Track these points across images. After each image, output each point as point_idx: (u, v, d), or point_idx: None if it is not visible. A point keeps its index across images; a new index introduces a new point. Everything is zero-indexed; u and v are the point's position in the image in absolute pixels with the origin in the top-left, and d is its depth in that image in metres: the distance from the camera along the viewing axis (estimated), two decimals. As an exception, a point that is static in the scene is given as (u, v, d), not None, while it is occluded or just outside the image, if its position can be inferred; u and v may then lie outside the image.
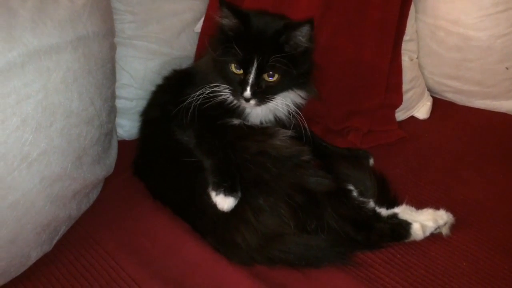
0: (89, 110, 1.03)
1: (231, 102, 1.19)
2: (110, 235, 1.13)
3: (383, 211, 1.15)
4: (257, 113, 1.22)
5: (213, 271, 1.04)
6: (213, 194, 1.06)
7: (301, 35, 1.11)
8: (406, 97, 1.63)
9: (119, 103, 1.37)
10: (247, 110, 1.20)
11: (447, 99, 1.80)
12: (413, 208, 1.17)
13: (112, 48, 1.16)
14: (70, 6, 0.97)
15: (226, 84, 1.16)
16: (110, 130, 1.20)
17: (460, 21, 1.58)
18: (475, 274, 1.06)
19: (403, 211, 1.15)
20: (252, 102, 1.13)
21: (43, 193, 0.95)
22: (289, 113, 1.23)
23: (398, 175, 1.36)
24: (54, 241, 1.07)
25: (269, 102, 1.16)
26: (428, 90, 1.78)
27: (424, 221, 1.13)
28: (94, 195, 1.20)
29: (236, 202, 1.05)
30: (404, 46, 1.63)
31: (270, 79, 1.13)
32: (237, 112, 1.21)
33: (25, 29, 0.86)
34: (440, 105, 1.77)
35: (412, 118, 1.71)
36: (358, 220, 1.11)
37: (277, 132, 1.19)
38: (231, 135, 1.17)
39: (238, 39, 1.11)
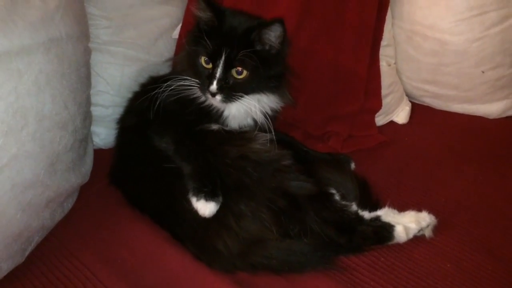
0: (62, 114, 1.00)
1: (205, 101, 1.17)
2: (85, 245, 1.09)
3: (366, 214, 1.13)
4: (234, 116, 1.20)
5: (194, 279, 1.01)
6: (193, 200, 1.03)
7: (273, 35, 1.10)
8: (385, 102, 1.64)
9: (95, 111, 1.34)
10: (225, 113, 1.18)
11: (425, 104, 1.83)
12: (395, 211, 1.16)
13: (87, 52, 1.14)
14: (43, 6, 0.94)
15: (195, 78, 1.14)
16: (85, 136, 1.17)
17: (436, 26, 1.60)
18: (459, 275, 1.06)
19: (386, 214, 1.14)
20: (218, 97, 1.11)
21: (14, 200, 0.91)
22: (266, 118, 1.21)
23: (380, 178, 1.35)
24: (27, 252, 1.02)
25: (236, 100, 1.14)
26: (407, 95, 1.80)
27: (407, 223, 1.12)
28: (69, 204, 1.16)
29: (218, 207, 1.03)
30: (382, 51, 1.64)
31: (238, 76, 1.11)
32: (215, 116, 1.18)
33: (-6, 30, 0.83)
34: (418, 110, 1.79)
35: (392, 122, 1.72)
36: (341, 224, 1.10)
37: (257, 136, 1.18)
38: (210, 140, 1.15)
39: (210, 32, 1.10)
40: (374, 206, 1.19)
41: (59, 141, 1.00)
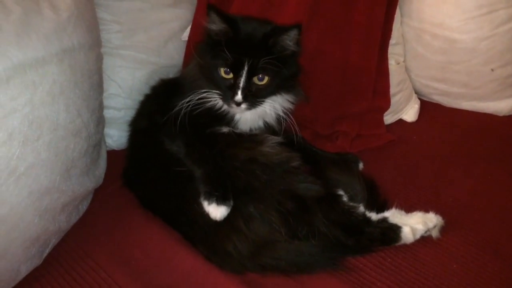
0: (76, 122, 1.03)
1: (220, 108, 1.19)
2: (100, 247, 1.12)
3: (373, 216, 1.15)
4: (246, 119, 1.22)
5: (205, 280, 1.04)
6: (205, 204, 1.06)
7: (289, 39, 1.13)
8: (393, 100, 1.64)
9: (107, 113, 1.37)
10: (236, 117, 1.21)
11: (434, 101, 1.82)
12: (402, 212, 1.17)
13: (99, 58, 1.16)
14: (55, 18, 0.96)
15: (215, 90, 1.16)
16: (98, 141, 1.20)
17: (444, 24, 1.60)
18: (465, 276, 1.07)
19: (393, 215, 1.16)
20: (243, 106, 1.13)
21: (31, 206, 0.94)
22: (278, 118, 1.24)
23: (388, 178, 1.36)
24: (44, 255, 1.06)
25: (259, 105, 1.17)
26: (416, 93, 1.79)
27: (414, 224, 1.14)
28: (83, 207, 1.19)
29: (229, 210, 1.05)
30: (391, 49, 1.64)
31: (260, 82, 1.14)
32: (226, 119, 1.21)
33: (10, 43, 0.86)
34: (427, 107, 1.78)
35: (400, 121, 1.72)
36: (349, 225, 1.12)
37: (266, 139, 1.20)
38: (221, 143, 1.17)
39: (227, 43, 1.11)
40: (382, 207, 1.20)
41: (73, 148, 1.03)
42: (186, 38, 1.55)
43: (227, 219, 1.05)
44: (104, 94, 1.29)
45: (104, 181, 1.29)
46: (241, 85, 1.11)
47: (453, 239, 1.16)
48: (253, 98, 1.14)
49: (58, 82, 0.95)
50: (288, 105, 1.25)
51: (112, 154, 1.39)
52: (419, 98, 1.79)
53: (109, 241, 1.14)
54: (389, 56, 1.64)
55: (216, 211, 1.04)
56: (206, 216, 1.05)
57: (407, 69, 1.76)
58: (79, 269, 1.07)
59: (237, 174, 1.11)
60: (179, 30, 1.55)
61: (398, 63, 1.69)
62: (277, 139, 1.21)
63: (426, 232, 1.15)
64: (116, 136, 1.47)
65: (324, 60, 1.51)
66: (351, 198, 1.18)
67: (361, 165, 1.40)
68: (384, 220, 1.14)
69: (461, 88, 1.71)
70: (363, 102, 1.57)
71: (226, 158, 1.14)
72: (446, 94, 1.76)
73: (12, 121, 0.86)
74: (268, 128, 1.26)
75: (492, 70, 1.61)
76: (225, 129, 1.20)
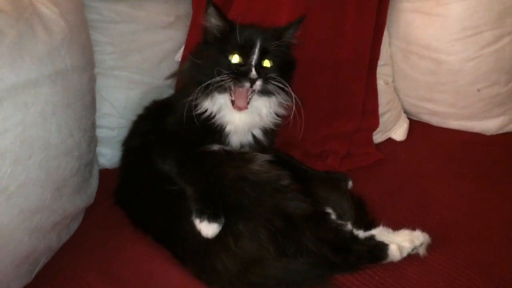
0: (68, 141, 1.05)
1: (213, 117, 1.21)
2: (90, 265, 1.13)
3: (361, 233, 1.16)
4: (236, 130, 1.24)
5: (194, 298, 1.05)
6: (197, 222, 1.07)
7: (291, 32, 1.23)
8: (383, 119, 1.67)
9: (101, 132, 1.39)
10: (227, 129, 1.23)
11: (423, 121, 1.86)
12: (390, 230, 1.19)
13: (92, 79, 1.19)
14: (49, 41, 0.99)
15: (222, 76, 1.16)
16: (90, 160, 1.22)
17: (431, 46, 1.64)
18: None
19: (380, 233, 1.17)
20: (258, 82, 1.16)
21: (21, 225, 0.95)
22: (267, 130, 1.27)
23: (376, 197, 1.38)
24: (35, 272, 1.07)
25: (271, 84, 1.18)
26: (405, 112, 1.83)
27: (401, 242, 1.15)
28: (74, 226, 1.20)
29: (220, 228, 1.07)
30: (379, 70, 1.68)
31: (268, 65, 1.19)
32: (218, 132, 1.23)
33: (3, 65, 0.88)
34: (416, 126, 1.82)
35: (390, 140, 1.75)
36: (336, 243, 1.13)
37: (255, 157, 1.22)
38: (211, 162, 1.19)
39: (233, 32, 1.17)
40: (370, 225, 1.21)
41: (64, 167, 1.05)
42: (180, 59, 1.58)
43: (216, 236, 1.06)
44: (98, 114, 1.31)
45: (96, 199, 1.31)
46: (253, 62, 1.16)
47: (439, 256, 1.17)
48: (265, 75, 1.17)
49: (50, 103, 0.97)
50: (281, 111, 1.29)
51: (105, 173, 1.40)
52: (408, 118, 1.83)
53: (99, 260, 1.14)
54: (378, 76, 1.68)
55: (208, 229, 1.05)
56: (195, 233, 1.06)
57: (396, 89, 1.79)
58: (68, 287, 1.07)
59: (227, 192, 1.13)
60: (172, 51, 1.58)
61: (387, 83, 1.72)
62: (267, 157, 1.23)
63: (413, 250, 1.16)
64: (109, 155, 1.49)
65: (314, 80, 1.54)
66: (339, 216, 1.20)
67: (350, 184, 1.42)
68: (372, 238, 1.16)
69: (448, 107, 1.74)
70: (352, 121, 1.60)
71: (216, 176, 1.15)
72: (434, 113, 1.79)
73: (3, 140, 0.87)
74: (257, 144, 1.28)
75: (479, 90, 1.65)
76: (215, 147, 1.22)
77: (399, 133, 1.74)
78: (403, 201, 1.39)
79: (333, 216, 1.19)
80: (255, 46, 1.16)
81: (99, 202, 1.31)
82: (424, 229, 1.19)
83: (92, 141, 1.22)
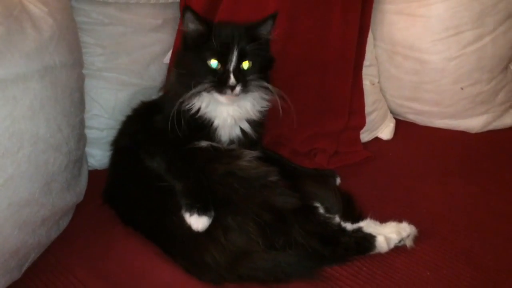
0: (56, 136, 1.06)
1: (202, 113, 1.23)
2: (80, 261, 1.13)
3: (348, 226, 1.18)
4: (224, 125, 1.26)
5: (183, 291, 1.05)
6: (187, 216, 1.08)
7: (267, 28, 1.24)
8: (369, 119, 1.70)
9: (90, 133, 1.40)
10: (215, 123, 1.25)
11: (409, 120, 1.89)
12: (377, 222, 1.21)
13: (80, 78, 1.20)
14: (37, 37, 1.00)
15: (203, 84, 1.19)
16: (79, 157, 1.23)
17: (415, 46, 1.68)
18: (438, 283, 1.09)
19: (367, 225, 1.19)
20: (238, 87, 1.18)
21: (10, 219, 0.96)
22: (256, 122, 1.30)
23: (364, 192, 1.39)
24: (24, 268, 1.07)
25: (250, 87, 1.21)
26: (391, 112, 1.86)
27: (388, 233, 1.17)
28: (64, 223, 1.21)
29: (210, 221, 1.08)
30: (365, 71, 1.72)
31: (247, 67, 1.21)
32: (206, 128, 1.25)
33: (-8, 60, 0.90)
34: (402, 126, 1.85)
35: (377, 139, 1.78)
36: (324, 235, 1.14)
37: (243, 153, 1.23)
38: (199, 158, 1.21)
39: (211, 36, 1.18)
40: (357, 218, 1.23)
41: (53, 162, 1.05)
42: (168, 61, 1.60)
43: (205, 230, 1.07)
44: (87, 115, 1.33)
45: (86, 199, 1.31)
46: (231, 69, 1.17)
47: (427, 248, 1.19)
48: (244, 79, 1.19)
49: (38, 97, 0.98)
50: (265, 102, 1.31)
51: (94, 174, 1.41)
52: (395, 118, 1.86)
53: (89, 256, 1.14)
54: (364, 77, 1.71)
55: (198, 222, 1.06)
56: (185, 228, 1.07)
57: (382, 90, 1.83)
58: (58, 283, 1.07)
59: (216, 187, 1.14)
60: (160, 53, 1.60)
61: (373, 84, 1.76)
62: (255, 153, 1.25)
63: (400, 241, 1.18)
64: (99, 155, 1.49)
65: (301, 81, 1.57)
66: (327, 210, 1.21)
67: (338, 180, 1.44)
68: (359, 230, 1.17)
69: (433, 106, 1.78)
70: (339, 120, 1.62)
71: (205, 173, 1.17)
72: (419, 113, 1.82)
73: (-8, 133, 0.89)
74: (246, 138, 1.30)
75: (462, 88, 1.69)
76: (203, 144, 1.24)
77: (385, 132, 1.77)
78: (391, 196, 1.41)
79: (321, 210, 1.20)
80: (233, 50, 1.18)
81: (88, 202, 1.31)
82: (411, 222, 1.21)
83: (81, 139, 1.23)
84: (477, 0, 1.57)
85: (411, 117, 1.87)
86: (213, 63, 1.19)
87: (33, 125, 0.98)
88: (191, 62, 1.22)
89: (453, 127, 1.81)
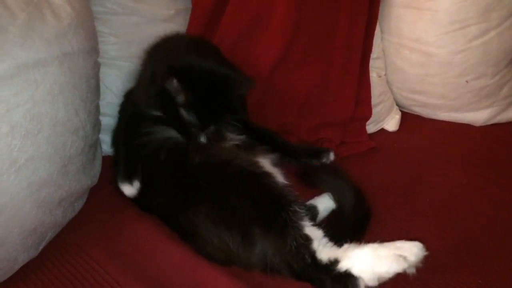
0: (74, 120, 1.10)
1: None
2: (94, 241, 1.17)
3: (324, 256, 0.99)
4: None
5: (194, 271, 1.09)
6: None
7: (246, 91, 1.29)
8: (375, 110, 1.73)
9: (104, 120, 1.43)
10: None
11: (414, 113, 1.91)
12: (371, 246, 0.98)
13: (96, 65, 1.24)
14: (57, 24, 1.04)
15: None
16: (94, 142, 1.27)
17: (421, 39, 1.69)
18: (438, 270, 1.12)
19: (350, 255, 0.97)
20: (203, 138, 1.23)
21: (30, 197, 1.00)
22: None
23: (368, 181, 1.39)
24: (41, 247, 1.11)
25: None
26: (397, 104, 1.88)
27: (378, 267, 0.95)
28: (79, 205, 1.25)
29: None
30: (372, 63, 1.74)
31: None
32: None
33: (15, 44, 0.94)
34: (408, 118, 1.87)
35: (382, 130, 1.81)
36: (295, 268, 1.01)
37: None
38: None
39: (190, 106, 1.20)
40: (365, 216, 1.18)
41: (70, 145, 1.10)
42: (179, 52, 1.63)
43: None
44: (102, 102, 1.36)
45: (99, 183, 1.35)
46: (205, 133, 1.23)
47: (429, 235, 1.22)
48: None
49: (58, 82, 1.03)
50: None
51: (107, 159, 1.45)
52: (401, 110, 1.88)
53: (102, 237, 1.19)
54: (371, 69, 1.73)
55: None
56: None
57: (388, 82, 1.85)
58: (73, 261, 1.12)
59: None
60: (172, 44, 1.63)
61: (380, 76, 1.78)
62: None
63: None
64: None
65: (308, 71, 1.60)
66: (338, 201, 1.21)
67: (332, 155, 1.46)
68: (336, 262, 0.96)
69: (438, 99, 1.80)
70: (346, 111, 1.65)
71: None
72: (425, 105, 1.85)
73: (15, 115, 0.93)
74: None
75: (467, 82, 1.70)
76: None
77: (391, 124, 1.80)
78: (394, 185, 1.44)
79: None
80: (210, 127, 1.22)
81: (102, 186, 1.35)
82: (414, 211, 1.25)
83: (96, 124, 1.27)
84: (484, -5, 1.59)
85: (417, 110, 1.89)
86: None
87: (53, 108, 1.02)
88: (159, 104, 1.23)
89: (458, 120, 1.83)
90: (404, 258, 0.92)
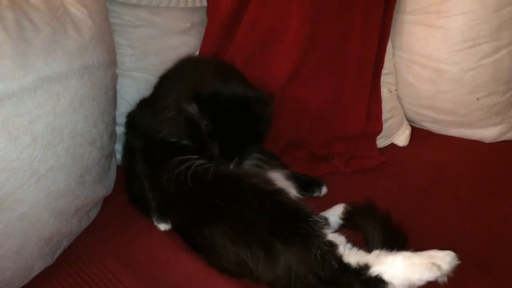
0: (92, 132, 1.12)
1: None
2: (108, 250, 1.20)
3: (353, 259, 1.01)
4: None
5: (205, 281, 1.11)
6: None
7: (268, 115, 1.24)
8: (386, 125, 1.74)
9: (119, 130, 1.46)
10: None
11: (424, 128, 1.92)
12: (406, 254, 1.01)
13: (114, 77, 1.27)
14: (79, 38, 1.07)
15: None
16: (110, 152, 1.29)
17: (433, 56, 1.70)
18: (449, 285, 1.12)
19: (379, 260, 1.00)
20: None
21: (48, 207, 1.03)
22: None
23: (377, 196, 1.42)
24: (56, 255, 1.14)
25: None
26: (407, 119, 1.89)
27: (409, 274, 0.97)
28: (93, 214, 1.27)
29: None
30: (383, 79, 1.76)
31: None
32: None
33: (38, 58, 0.96)
34: (418, 133, 1.88)
35: (392, 145, 1.82)
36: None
37: None
38: None
39: (213, 133, 1.17)
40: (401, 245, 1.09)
41: (88, 156, 1.12)
42: (193, 63, 1.66)
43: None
44: (117, 112, 1.39)
45: (113, 192, 1.37)
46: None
47: (438, 251, 1.23)
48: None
49: (78, 94, 1.05)
50: None
51: (121, 169, 1.47)
52: (411, 125, 1.89)
53: (115, 246, 1.21)
54: (382, 84, 1.75)
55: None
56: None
57: (399, 98, 1.86)
58: (87, 270, 1.14)
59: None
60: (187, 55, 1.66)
61: (391, 91, 1.80)
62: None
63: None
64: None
65: (320, 85, 1.62)
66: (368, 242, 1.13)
67: (324, 189, 1.44)
68: (366, 267, 0.98)
69: (449, 115, 1.81)
70: (357, 126, 1.67)
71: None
72: (435, 121, 1.86)
73: (37, 126, 0.95)
74: None
75: (478, 99, 1.71)
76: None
77: (401, 139, 1.81)
78: (404, 201, 1.45)
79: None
80: (236, 157, 1.21)
81: (116, 195, 1.38)
82: (423, 227, 1.24)
83: (113, 134, 1.30)
84: (496, 14, 1.59)
85: (427, 125, 1.90)
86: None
87: (73, 120, 1.05)
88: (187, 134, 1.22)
89: (468, 136, 1.84)
90: (438, 266, 0.94)
